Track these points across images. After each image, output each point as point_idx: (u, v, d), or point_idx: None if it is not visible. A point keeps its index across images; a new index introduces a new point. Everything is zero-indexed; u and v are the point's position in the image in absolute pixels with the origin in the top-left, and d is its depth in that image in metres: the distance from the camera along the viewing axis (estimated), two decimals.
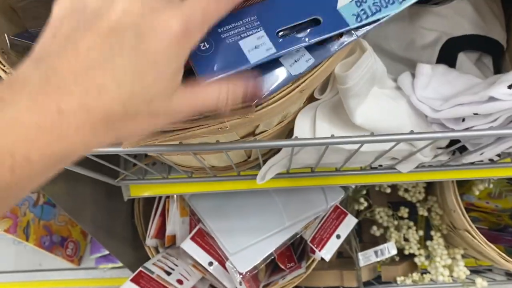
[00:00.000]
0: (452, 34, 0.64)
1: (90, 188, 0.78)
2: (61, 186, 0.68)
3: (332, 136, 0.45)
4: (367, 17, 0.36)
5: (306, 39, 0.36)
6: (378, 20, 0.36)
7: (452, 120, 0.53)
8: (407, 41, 0.65)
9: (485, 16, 0.65)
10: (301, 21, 0.35)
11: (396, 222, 1.03)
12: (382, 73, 0.53)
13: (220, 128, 0.38)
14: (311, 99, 0.54)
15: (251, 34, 0.35)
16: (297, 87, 0.38)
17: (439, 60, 0.63)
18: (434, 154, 0.62)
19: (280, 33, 0.35)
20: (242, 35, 0.35)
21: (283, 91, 0.38)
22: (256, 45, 0.35)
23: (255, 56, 0.35)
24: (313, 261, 0.89)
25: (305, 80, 0.38)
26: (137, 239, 0.93)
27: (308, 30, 0.36)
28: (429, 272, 1.00)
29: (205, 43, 0.35)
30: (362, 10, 0.36)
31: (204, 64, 0.34)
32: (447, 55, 0.62)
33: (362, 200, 1.00)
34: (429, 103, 0.54)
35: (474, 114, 0.49)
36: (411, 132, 0.45)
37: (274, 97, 0.38)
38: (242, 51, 0.35)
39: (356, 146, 0.52)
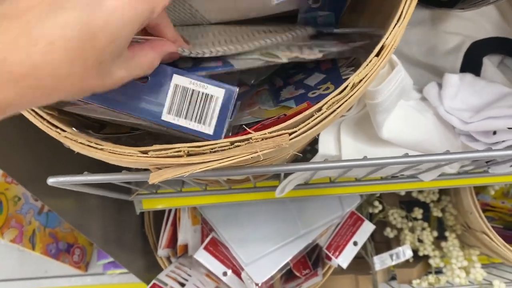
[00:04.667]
0: (475, 37, 0.62)
1: (98, 201, 0.75)
2: (68, 201, 0.66)
3: (364, 158, 0.43)
4: None
5: None
6: None
7: (483, 132, 0.51)
8: (429, 46, 0.63)
9: (508, 18, 0.63)
10: None
11: (410, 224, 1.01)
12: (409, 86, 0.50)
13: (252, 157, 0.36)
14: None
15: None
16: (332, 112, 0.35)
17: (464, 66, 0.60)
18: (460, 165, 0.60)
19: None
20: None
21: (318, 117, 0.35)
22: None
23: None
24: (329, 268, 0.87)
25: (340, 105, 0.35)
26: (147, 248, 0.91)
27: None
28: (443, 273, 0.98)
29: None
30: None
31: None
32: (472, 60, 0.60)
33: (376, 203, 0.98)
34: (458, 114, 0.52)
35: (509, 128, 0.47)
36: (447, 152, 0.43)
37: (308, 124, 0.35)
38: None
39: None
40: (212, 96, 0.34)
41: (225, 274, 0.81)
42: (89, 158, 0.51)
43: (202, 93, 0.34)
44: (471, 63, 0.60)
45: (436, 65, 0.62)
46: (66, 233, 1.13)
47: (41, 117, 0.35)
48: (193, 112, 0.34)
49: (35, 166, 0.55)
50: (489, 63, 0.61)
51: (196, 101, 0.34)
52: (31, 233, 1.02)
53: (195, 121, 0.34)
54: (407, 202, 1.07)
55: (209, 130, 0.35)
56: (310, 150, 0.74)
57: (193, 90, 0.34)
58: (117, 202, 0.78)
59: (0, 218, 0.93)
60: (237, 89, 0.34)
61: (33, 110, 0.35)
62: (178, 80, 0.34)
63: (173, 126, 0.35)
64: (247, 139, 0.35)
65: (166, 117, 0.34)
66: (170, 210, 0.89)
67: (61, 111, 0.41)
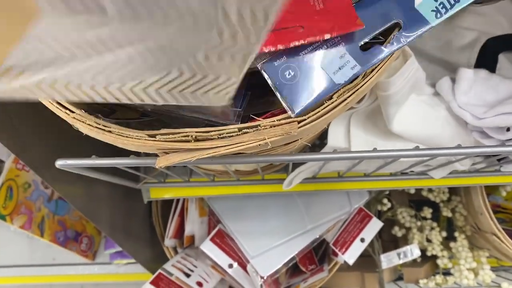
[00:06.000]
0: (491, 33, 0.61)
1: (107, 189, 0.75)
2: (77, 187, 0.66)
3: (374, 150, 0.42)
4: (446, 11, 0.34)
5: (391, 47, 0.33)
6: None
7: (496, 128, 0.50)
8: (443, 41, 0.62)
9: None
10: (381, 29, 0.33)
11: (419, 223, 1.00)
12: (422, 80, 0.50)
13: (259, 145, 0.35)
14: None
15: (333, 54, 0.34)
16: (343, 101, 0.35)
17: (479, 62, 0.59)
18: (472, 163, 0.59)
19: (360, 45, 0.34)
20: (325, 56, 0.34)
21: (328, 106, 0.35)
22: (340, 66, 0.33)
23: (341, 77, 0.34)
24: (335, 264, 0.87)
25: (351, 94, 0.35)
26: (154, 238, 0.91)
27: (391, 36, 0.34)
28: (451, 274, 0.97)
29: (290, 70, 0.34)
30: (440, 3, 0.34)
31: (293, 93, 0.34)
32: (487, 56, 0.59)
33: (385, 201, 0.98)
34: (471, 109, 0.51)
35: None
36: (458, 147, 0.42)
37: (318, 112, 0.35)
38: (328, 75, 0.34)
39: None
40: None
41: (230, 266, 0.81)
42: (99, 146, 0.51)
43: None
44: (486, 59, 0.59)
45: (451, 60, 0.61)
46: (75, 222, 1.14)
47: None
48: None
49: (46, 152, 0.55)
50: (504, 60, 0.60)
51: None
52: (40, 220, 1.03)
53: None
54: (417, 201, 1.06)
55: None
56: (319, 144, 0.73)
57: None
58: (125, 191, 0.79)
59: (10, 204, 0.94)
60: None
61: None
62: None
63: None
64: (256, 126, 0.34)
65: None
66: (177, 201, 0.89)
67: None
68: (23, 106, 0.50)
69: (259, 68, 0.34)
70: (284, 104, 0.34)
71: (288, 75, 0.34)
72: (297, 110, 0.34)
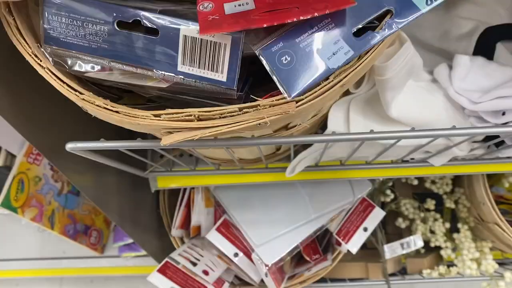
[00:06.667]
0: (489, 22, 0.62)
1: (116, 179, 0.78)
2: (88, 176, 0.68)
3: (371, 131, 0.44)
4: None
5: (383, 33, 0.35)
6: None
7: (492, 113, 0.52)
8: (442, 31, 0.63)
9: None
10: (374, 16, 0.35)
11: (422, 215, 1.02)
12: (419, 66, 0.51)
13: (259, 124, 0.37)
14: (344, 92, 0.53)
15: (328, 40, 0.35)
16: (339, 82, 0.36)
17: (476, 51, 0.61)
18: (470, 148, 0.61)
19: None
20: (319, 42, 0.35)
21: (324, 86, 0.36)
22: (334, 52, 0.35)
23: (335, 62, 0.35)
24: (339, 253, 0.88)
25: (347, 75, 0.36)
26: (162, 229, 0.93)
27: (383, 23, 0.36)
28: (455, 265, 0.98)
29: (286, 56, 0.35)
30: None
31: (289, 77, 0.36)
32: (485, 45, 0.60)
33: (388, 192, 0.99)
34: (467, 95, 0.52)
35: None
36: (453, 127, 0.44)
37: (314, 92, 0.36)
38: (322, 60, 0.35)
39: (392, 141, 0.50)
40: (220, 43, 0.35)
41: (236, 255, 0.83)
42: (110, 134, 0.53)
43: (210, 41, 0.35)
44: (484, 48, 0.60)
45: (449, 50, 0.62)
46: (84, 215, 1.16)
47: (62, 80, 0.37)
48: (205, 61, 0.36)
49: (59, 140, 0.58)
50: (502, 49, 0.61)
51: (206, 50, 0.35)
52: (50, 213, 1.05)
53: (208, 69, 0.36)
54: (420, 194, 1.07)
55: (222, 77, 0.36)
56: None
57: (201, 39, 0.35)
58: (133, 182, 0.81)
59: (21, 196, 0.96)
60: (243, 34, 0.35)
61: (54, 74, 0.37)
62: (186, 31, 0.35)
63: (189, 77, 0.36)
64: (255, 106, 0.36)
65: (181, 67, 0.36)
66: (184, 192, 0.91)
67: (81, 80, 0.43)
68: (35, 93, 0.52)
69: (257, 54, 0.36)
70: (281, 88, 0.36)
71: (285, 60, 0.36)
72: (293, 94, 0.36)
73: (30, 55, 0.38)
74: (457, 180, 1.06)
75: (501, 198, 1.01)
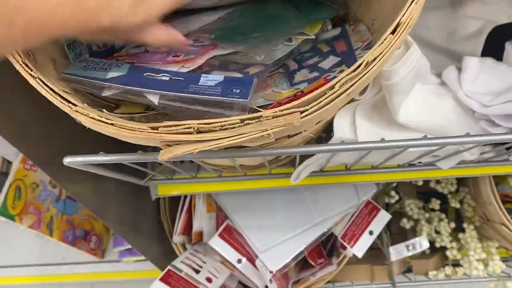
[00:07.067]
0: (497, 21, 0.60)
1: (115, 187, 0.76)
2: (85, 186, 0.66)
3: (382, 140, 0.42)
4: None
5: None
6: None
7: (503, 116, 0.50)
8: (449, 30, 0.61)
9: None
10: None
11: (427, 215, 1.00)
12: (426, 69, 0.49)
13: (262, 136, 0.35)
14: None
15: None
16: (345, 91, 0.35)
17: (485, 51, 0.59)
18: (480, 152, 0.59)
19: None
20: None
21: (330, 95, 0.34)
22: None
23: None
24: (344, 257, 0.87)
25: (354, 84, 0.35)
26: (163, 235, 0.92)
27: None
28: (461, 265, 0.97)
29: None
30: None
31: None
32: (494, 45, 0.58)
33: (393, 193, 0.97)
34: (478, 98, 0.51)
35: None
36: (467, 135, 0.42)
37: (320, 102, 0.34)
38: None
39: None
40: None
41: (239, 261, 0.81)
42: (107, 145, 0.51)
43: None
44: (493, 48, 0.58)
45: (456, 50, 0.60)
46: (83, 221, 1.15)
47: (54, 92, 0.35)
48: None
49: (55, 150, 0.56)
50: (511, 48, 0.59)
51: None
52: (48, 220, 1.03)
53: None
54: (425, 193, 1.06)
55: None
56: (325, 137, 0.73)
57: None
58: (133, 188, 0.79)
59: (19, 203, 0.95)
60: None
61: (46, 85, 0.35)
62: None
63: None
64: (258, 117, 0.34)
65: None
66: (185, 197, 0.89)
67: (77, 91, 0.41)
68: (31, 106, 0.51)
69: None
70: None
71: None
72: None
73: (21, 65, 0.36)
74: (461, 179, 1.04)
75: (507, 197, 0.99)
